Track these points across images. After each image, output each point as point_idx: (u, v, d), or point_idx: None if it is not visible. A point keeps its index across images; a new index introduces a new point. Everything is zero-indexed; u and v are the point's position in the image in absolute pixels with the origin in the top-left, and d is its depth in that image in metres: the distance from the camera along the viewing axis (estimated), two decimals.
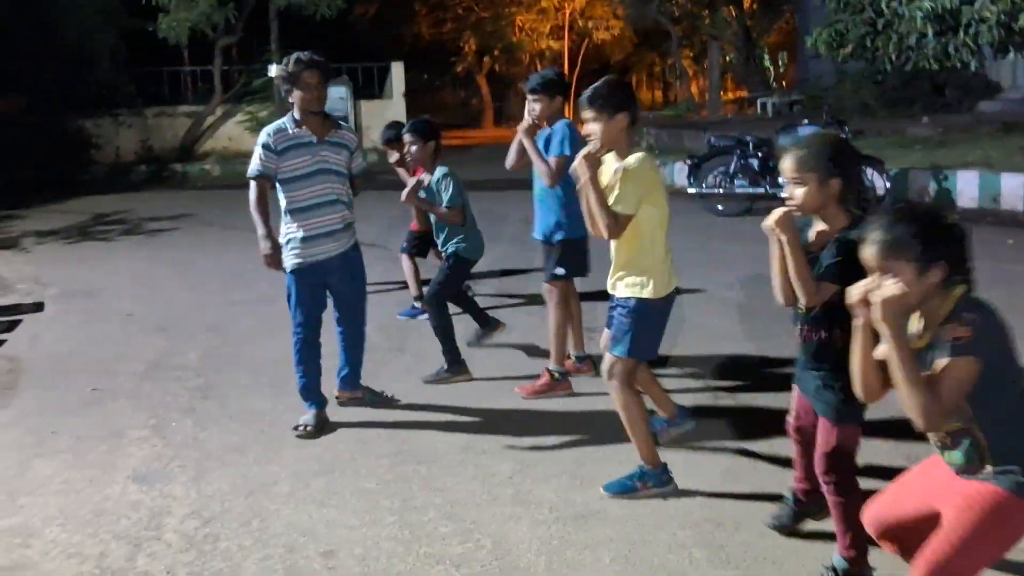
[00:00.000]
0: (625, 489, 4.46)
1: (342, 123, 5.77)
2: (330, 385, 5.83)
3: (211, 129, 24.61)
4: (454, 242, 6.53)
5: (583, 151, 4.32)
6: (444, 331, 6.39)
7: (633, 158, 4.33)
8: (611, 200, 4.31)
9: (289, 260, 5.52)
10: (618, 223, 4.29)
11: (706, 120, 26.53)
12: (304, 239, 5.49)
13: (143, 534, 4.36)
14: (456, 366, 6.39)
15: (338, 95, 23.29)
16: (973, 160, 13.64)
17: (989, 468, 2.86)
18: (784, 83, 33.89)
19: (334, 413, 5.75)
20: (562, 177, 5.71)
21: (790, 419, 3.99)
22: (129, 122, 23.66)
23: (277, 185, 5.52)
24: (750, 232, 11.65)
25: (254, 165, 5.51)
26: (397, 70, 25.71)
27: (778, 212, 3.51)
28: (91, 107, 22.49)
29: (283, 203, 5.55)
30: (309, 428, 5.52)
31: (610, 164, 4.43)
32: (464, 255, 6.57)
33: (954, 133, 17.46)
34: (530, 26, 33.78)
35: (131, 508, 4.64)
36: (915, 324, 2.93)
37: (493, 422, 5.59)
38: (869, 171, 12.45)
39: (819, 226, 3.61)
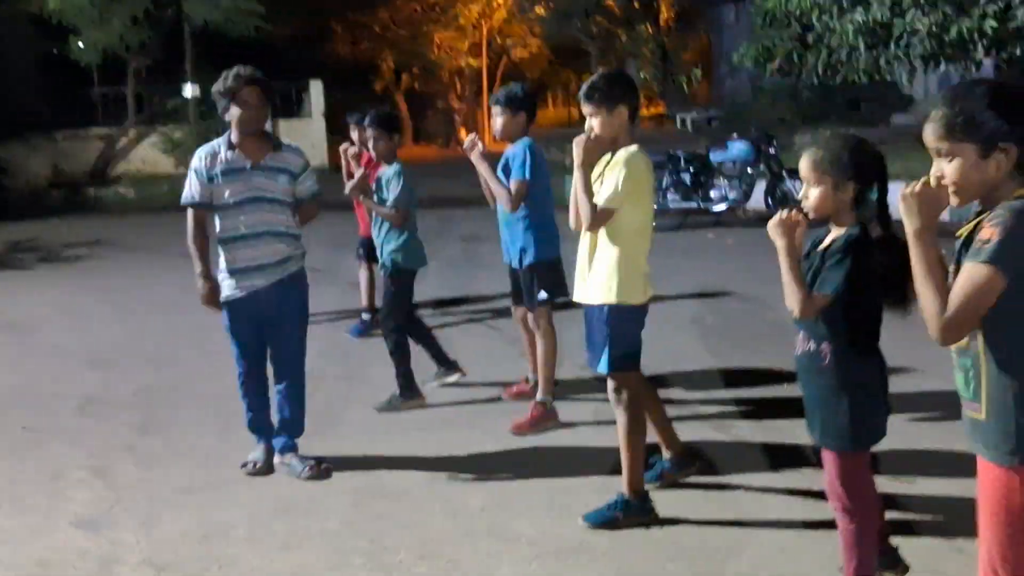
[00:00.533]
0: (606, 520, 4.29)
1: (286, 144, 5.27)
2: None
3: (124, 152, 24.02)
4: (391, 250, 6.17)
5: (581, 137, 4.19)
6: (400, 355, 6.16)
7: (625, 151, 4.23)
8: (596, 191, 4.21)
9: (224, 293, 5.09)
10: (597, 217, 4.18)
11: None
12: (234, 271, 5.05)
13: None
14: (409, 392, 6.17)
15: None
16: (896, 171, 13.84)
17: (982, 412, 2.50)
18: (698, 99, 34.32)
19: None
20: (522, 201, 5.57)
21: None
22: (40, 146, 22.95)
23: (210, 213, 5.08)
24: (686, 246, 11.80)
25: (188, 192, 5.06)
26: (316, 89, 25.46)
27: (778, 216, 3.32)
28: (1, 131, 21.75)
29: (217, 233, 5.08)
30: (259, 465, 5.21)
31: (606, 156, 4.33)
32: (403, 265, 6.20)
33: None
34: (448, 44, 33.68)
35: (78, 557, 4.34)
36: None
37: (456, 452, 5.39)
38: (797, 184, 12.60)
39: (834, 232, 3.38)
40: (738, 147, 13.08)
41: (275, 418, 5.28)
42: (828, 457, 3.41)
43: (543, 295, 5.71)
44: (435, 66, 34.32)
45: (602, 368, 4.33)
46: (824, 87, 20.34)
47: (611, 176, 4.21)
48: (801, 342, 3.45)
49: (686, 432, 5.07)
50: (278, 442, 5.27)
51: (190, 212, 5.09)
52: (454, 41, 33.64)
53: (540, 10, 30.37)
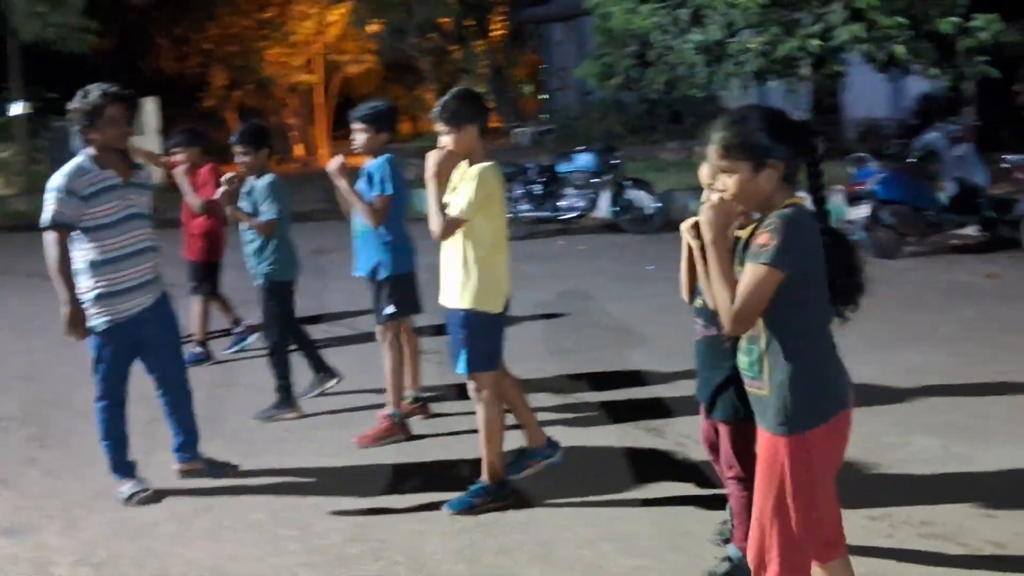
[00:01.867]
0: (467, 505, 4.62)
1: (138, 162, 5.28)
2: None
3: None
4: (265, 264, 6.25)
5: (434, 152, 4.50)
6: (280, 365, 6.29)
7: (478, 166, 4.54)
8: (451, 203, 4.53)
9: (96, 319, 4.92)
10: (447, 226, 4.48)
11: None
12: (112, 294, 4.92)
13: None
14: (287, 403, 6.29)
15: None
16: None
17: (765, 392, 2.90)
18: (528, 113, 35.16)
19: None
20: (386, 217, 5.64)
21: (703, 438, 4.09)
22: None
23: (76, 236, 4.90)
24: (540, 252, 12.30)
25: (53, 212, 4.83)
26: (150, 106, 24.88)
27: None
28: None
29: (85, 255, 4.90)
30: (148, 492, 5.05)
31: (456, 172, 4.66)
32: (277, 277, 6.28)
33: (697, 156, 18.78)
34: (281, 60, 33.40)
35: (9, 562, 4.43)
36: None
37: (338, 467, 5.48)
38: (640, 193, 13.33)
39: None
40: (583, 158, 13.67)
41: (171, 431, 5.32)
42: (725, 430, 3.83)
43: (391, 310, 5.73)
44: (268, 82, 33.95)
45: (460, 369, 4.67)
46: (649, 102, 21.38)
47: (464, 188, 4.51)
48: (701, 329, 3.84)
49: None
50: (183, 453, 5.34)
51: (53, 235, 4.87)
52: (287, 57, 33.39)
53: (374, 27, 30.54)
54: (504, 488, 4.69)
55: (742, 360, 2.99)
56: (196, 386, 5.49)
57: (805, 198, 2.92)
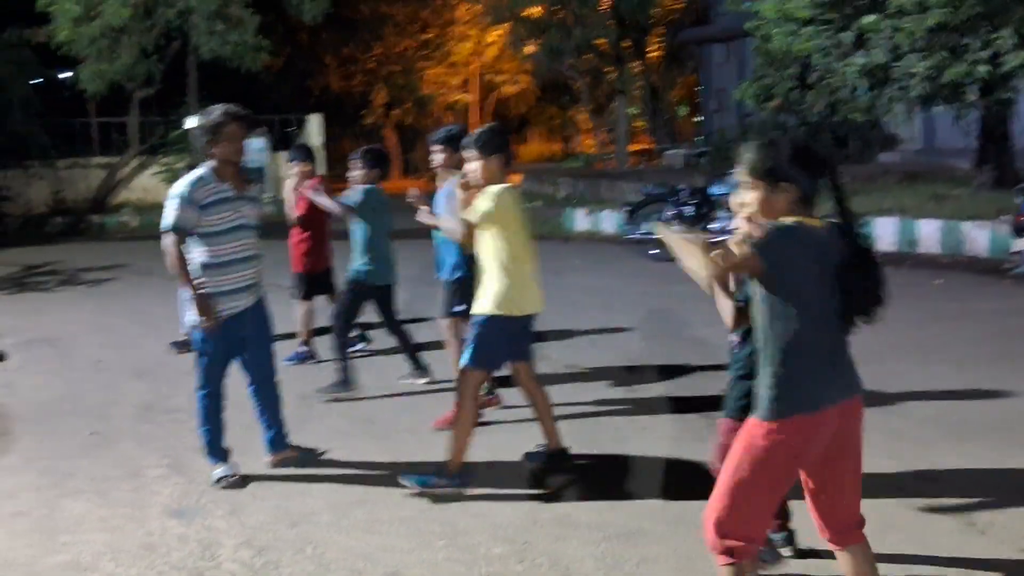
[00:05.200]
0: (423, 483, 5.12)
1: (250, 176, 5.74)
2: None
3: (125, 180, 24.35)
4: (361, 264, 7.06)
5: (459, 177, 5.25)
6: (339, 349, 7.09)
7: (496, 186, 5.13)
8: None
9: (200, 316, 5.36)
10: (462, 227, 5.29)
11: (616, 171, 27.27)
12: (218, 294, 5.35)
13: (201, 564, 4.47)
14: (345, 383, 7.06)
15: (257, 147, 23.38)
16: (888, 207, 14.47)
17: (759, 385, 3.23)
18: (683, 135, 34.96)
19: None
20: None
21: None
22: (40, 174, 23.26)
23: (187, 239, 5.34)
24: (687, 275, 12.22)
25: (173, 218, 5.28)
26: (315, 122, 25.91)
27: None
28: (1, 159, 22.07)
29: (197, 257, 5.36)
30: (236, 477, 5.47)
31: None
32: (365, 279, 7.08)
33: (859, 182, 18.41)
34: (440, 80, 34.27)
35: (179, 541, 4.73)
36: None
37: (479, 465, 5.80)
38: None
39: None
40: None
41: (262, 425, 5.76)
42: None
43: (461, 307, 6.23)
44: (427, 101, 34.88)
45: (462, 361, 5.20)
46: (810, 125, 20.98)
47: (481, 201, 5.12)
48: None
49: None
50: (275, 445, 5.75)
51: (172, 237, 5.30)
52: (446, 77, 34.23)
53: (531, 48, 30.96)
54: (459, 478, 5.11)
55: (735, 358, 3.58)
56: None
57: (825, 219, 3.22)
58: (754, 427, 3.20)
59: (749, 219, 3.26)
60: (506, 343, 5.25)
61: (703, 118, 31.99)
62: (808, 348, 3.16)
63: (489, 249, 5.17)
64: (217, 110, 5.41)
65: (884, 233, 13.53)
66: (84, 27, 20.47)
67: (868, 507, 4.44)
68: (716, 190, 13.72)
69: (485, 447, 5.69)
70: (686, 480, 5.19)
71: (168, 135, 24.08)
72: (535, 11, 29.33)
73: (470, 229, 5.22)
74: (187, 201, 5.28)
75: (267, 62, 24.08)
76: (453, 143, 6.27)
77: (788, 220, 3.14)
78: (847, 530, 3.36)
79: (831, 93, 13.07)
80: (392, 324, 7.35)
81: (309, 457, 5.81)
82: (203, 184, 5.33)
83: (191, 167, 5.69)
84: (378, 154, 7.32)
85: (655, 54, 33.03)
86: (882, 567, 3.48)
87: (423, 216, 6.14)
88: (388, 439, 6.20)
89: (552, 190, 24.60)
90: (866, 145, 22.57)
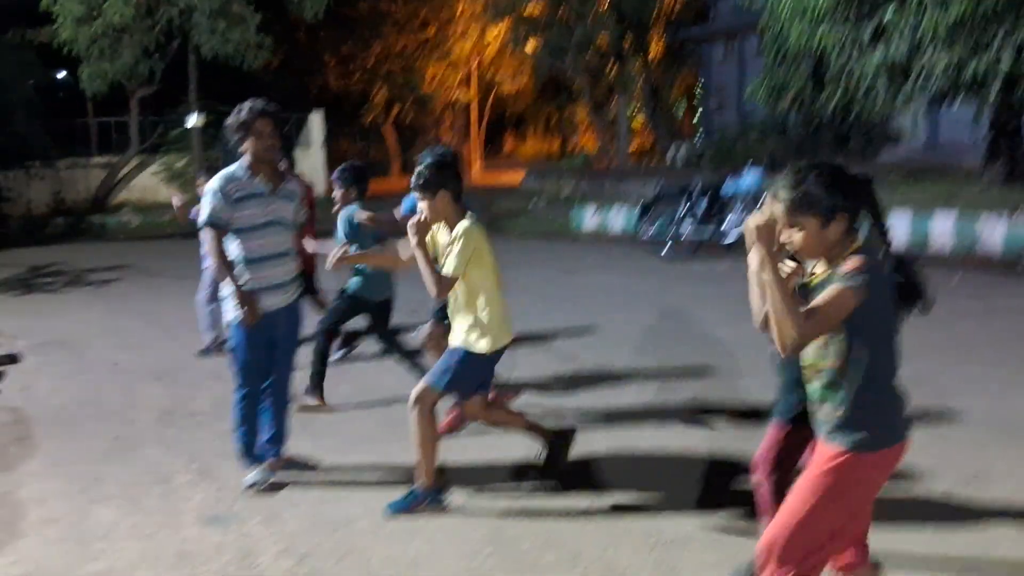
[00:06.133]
0: (402, 508, 4.92)
1: (288, 174, 5.57)
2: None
3: (125, 180, 24.21)
4: (356, 277, 6.84)
5: (413, 219, 4.82)
6: (318, 353, 6.89)
7: (460, 227, 4.83)
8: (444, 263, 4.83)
9: (236, 312, 5.28)
10: (442, 284, 4.79)
11: (619, 169, 27.19)
12: (253, 291, 5.27)
13: (241, 573, 4.35)
14: (315, 390, 6.85)
15: None
16: (898, 203, 14.38)
17: (840, 413, 3.06)
18: (682, 134, 34.86)
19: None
20: None
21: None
22: (41, 174, 23.13)
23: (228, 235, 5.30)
24: (705, 274, 12.20)
25: (208, 213, 5.24)
26: (317, 120, 25.82)
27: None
28: (2, 160, 21.92)
29: (232, 253, 5.30)
30: (268, 482, 5.38)
31: (444, 233, 4.96)
32: (358, 291, 6.83)
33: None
34: (440, 78, 34.13)
35: (215, 549, 4.61)
36: (820, 267, 3.13)
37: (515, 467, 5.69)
38: None
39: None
40: (752, 177, 13.45)
41: (263, 424, 5.55)
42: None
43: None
44: (427, 99, 34.74)
45: (433, 382, 4.88)
46: (815, 122, 20.91)
47: (453, 248, 4.81)
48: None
49: None
50: (270, 447, 5.56)
51: (210, 232, 5.26)
52: (446, 75, 34.10)
53: (532, 46, 30.84)
54: (440, 494, 4.97)
55: (813, 390, 3.15)
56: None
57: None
58: (841, 457, 3.06)
59: (765, 226, 2.94)
60: (479, 377, 5.06)
61: (703, 116, 31.96)
62: (888, 379, 3.10)
63: (468, 285, 4.89)
64: (245, 107, 5.32)
65: (896, 230, 13.44)
66: (86, 26, 20.31)
67: (923, 512, 4.37)
68: (728, 187, 13.63)
69: (523, 452, 5.59)
70: (730, 484, 5.10)
71: (168, 134, 23.94)
72: (536, 9, 29.22)
73: (450, 284, 4.81)
74: (219, 196, 5.22)
75: (266, 61, 23.95)
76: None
77: (861, 258, 2.95)
78: (864, 546, 3.48)
79: (848, 89, 12.95)
80: (387, 338, 7.09)
81: (301, 466, 5.64)
82: (233, 179, 5.27)
83: (214, 167, 5.51)
84: (356, 171, 7.00)
85: (656, 52, 32.92)
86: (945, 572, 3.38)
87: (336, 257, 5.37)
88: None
89: (554, 188, 24.50)
90: (869, 141, 22.50)
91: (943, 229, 12.99)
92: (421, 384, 4.91)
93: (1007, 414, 6.13)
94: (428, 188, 4.85)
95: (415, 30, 34.00)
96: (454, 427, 6.11)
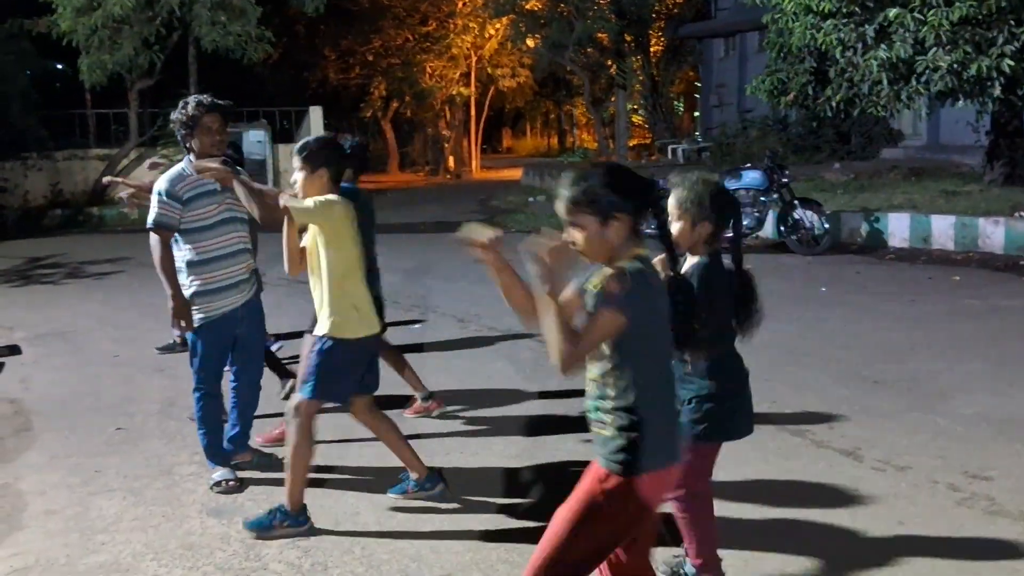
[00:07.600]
0: (263, 526, 4.62)
1: (239, 168, 5.41)
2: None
3: (123, 172, 24.11)
4: None
5: (285, 192, 4.69)
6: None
7: (324, 198, 4.58)
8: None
9: (194, 316, 5.22)
10: (282, 212, 4.55)
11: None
12: (207, 292, 5.21)
13: (246, 565, 4.35)
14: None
15: (256, 139, 23.22)
16: (899, 203, 14.40)
17: (611, 431, 2.92)
18: (681, 131, 34.89)
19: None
20: None
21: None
22: (39, 166, 23.02)
23: (176, 236, 5.21)
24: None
25: (156, 215, 5.13)
26: (315, 114, 25.71)
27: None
28: (0, 151, 21.84)
29: (184, 255, 5.22)
30: (232, 482, 5.28)
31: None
32: None
33: (864, 178, 18.35)
34: (440, 73, 34.11)
35: (220, 541, 4.61)
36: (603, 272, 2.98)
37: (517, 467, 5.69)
38: (809, 213, 13.05)
39: (689, 260, 3.75)
40: (751, 175, 13.41)
41: (229, 420, 5.58)
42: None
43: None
44: (426, 94, 34.70)
45: (305, 393, 4.65)
46: (815, 119, 20.92)
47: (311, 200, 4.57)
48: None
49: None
50: (234, 444, 5.54)
51: (155, 236, 5.15)
52: (446, 70, 34.08)
53: (532, 41, 30.84)
54: (303, 515, 4.67)
55: (588, 406, 3.00)
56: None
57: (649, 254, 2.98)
58: (608, 482, 2.91)
59: (559, 249, 2.84)
60: (349, 370, 4.76)
61: (703, 113, 31.99)
62: (656, 398, 2.94)
63: (322, 267, 4.64)
64: (191, 102, 5.20)
65: (897, 229, 13.44)
66: (86, 17, 20.24)
67: (927, 510, 4.38)
68: (729, 185, 13.61)
69: (520, 451, 5.59)
70: (764, 499, 5.08)
71: (166, 126, 23.85)
72: (536, 4, 29.22)
73: (282, 214, 4.58)
74: (167, 197, 5.12)
75: (264, 55, 23.91)
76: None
77: (635, 263, 2.86)
78: None
79: (850, 87, 12.94)
80: None
81: (267, 462, 5.54)
82: (182, 178, 5.15)
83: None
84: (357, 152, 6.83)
85: (656, 48, 32.93)
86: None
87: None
88: (412, 441, 6.06)
89: (555, 185, 24.47)
90: (869, 141, 22.53)
91: (943, 229, 12.99)
92: (294, 395, 4.74)
93: (1007, 413, 6.13)
94: (309, 161, 4.61)
95: (415, 25, 33.99)
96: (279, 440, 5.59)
